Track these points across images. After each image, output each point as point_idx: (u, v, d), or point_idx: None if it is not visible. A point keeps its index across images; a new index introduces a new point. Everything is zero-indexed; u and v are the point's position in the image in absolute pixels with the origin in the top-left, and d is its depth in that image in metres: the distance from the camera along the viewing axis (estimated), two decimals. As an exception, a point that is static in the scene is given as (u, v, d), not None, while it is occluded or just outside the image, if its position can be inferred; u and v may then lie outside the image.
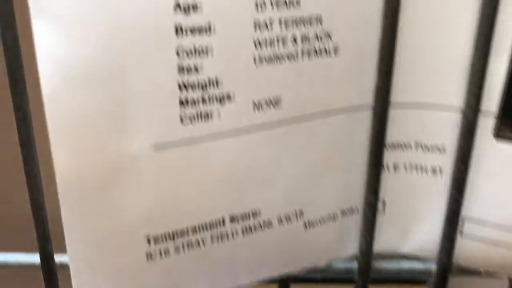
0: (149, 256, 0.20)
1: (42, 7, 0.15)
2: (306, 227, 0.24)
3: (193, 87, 0.18)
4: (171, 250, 0.21)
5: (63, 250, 0.22)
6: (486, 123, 0.22)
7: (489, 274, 0.25)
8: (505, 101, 0.22)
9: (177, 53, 0.18)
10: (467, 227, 0.25)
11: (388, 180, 0.25)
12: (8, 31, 0.18)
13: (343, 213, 0.25)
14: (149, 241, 0.20)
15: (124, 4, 0.16)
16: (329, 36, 0.21)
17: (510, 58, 0.21)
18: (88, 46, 0.16)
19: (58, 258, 0.24)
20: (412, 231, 0.26)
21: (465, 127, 0.22)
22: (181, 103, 0.18)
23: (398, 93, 0.23)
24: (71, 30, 0.16)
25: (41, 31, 0.16)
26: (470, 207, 0.24)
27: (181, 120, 0.19)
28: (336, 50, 0.21)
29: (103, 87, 0.17)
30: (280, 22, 0.19)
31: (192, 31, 0.18)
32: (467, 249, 0.25)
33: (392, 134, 0.24)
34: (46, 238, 0.23)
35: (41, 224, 0.22)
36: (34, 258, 0.25)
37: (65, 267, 0.23)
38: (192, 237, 0.21)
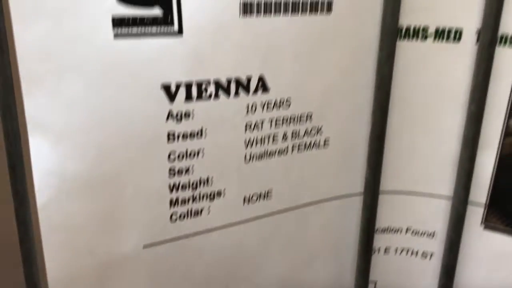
0: None
1: (39, 124, 0.16)
2: (296, 311, 0.24)
3: (183, 187, 0.19)
4: None
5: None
6: (475, 213, 0.23)
7: None
8: (492, 193, 0.22)
9: (169, 158, 0.18)
10: (457, 311, 0.25)
11: (379, 262, 0.25)
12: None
13: (334, 294, 0.25)
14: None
15: (119, 115, 0.17)
16: (319, 130, 0.21)
17: (497, 153, 0.22)
18: (83, 160, 0.17)
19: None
20: (402, 312, 0.26)
21: (454, 217, 0.23)
22: (171, 203, 0.19)
23: (388, 182, 0.23)
24: (66, 146, 0.16)
25: (38, 146, 0.16)
26: (460, 292, 0.24)
27: (171, 218, 0.19)
28: (326, 142, 0.22)
29: (96, 196, 0.17)
30: (270, 122, 0.20)
31: (184, 136, 0.18)
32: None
33: (384, 220, 0.24)
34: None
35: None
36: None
37: None
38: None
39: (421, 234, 0.24)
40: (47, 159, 0.16)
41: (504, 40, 0.20)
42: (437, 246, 0.24)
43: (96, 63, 0.16)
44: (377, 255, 0.25)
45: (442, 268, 0.24)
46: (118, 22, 0.16)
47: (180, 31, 0.17)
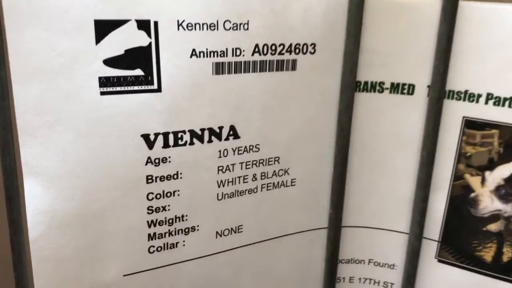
0: None
1: (33, 169, 0.18)
2: (267, 335, 0.26)
3: (161, 223, 0.21)
4: None
5: None
6: (429, 247, 0.25)
7: None
8: (444, 230, 0.24)
9: (148, 197, 0.21)
10: (416, 337, 0.27)
11: (344, 290, 0.27)
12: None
13: (303, 320, 0.27)
14: None
15: (104, 161, 0.19)
16: (286, 171, 0.24)
17: (448, 194, 0.24)
18: (71, 200, 0.19)
19: None
20: (367, 336, 0.28)
21: (410, 251, 0.25)
22: (150, 237, 0.21)
23: (350, 218, 0.25)
24: (56, 188, 0.19)
25: (31, 188, 0.18)
26: (418, 320, 0.26)
27: (149, 250, 0.21)
28: (293, 182, 0.24)
29: (82, 231, 0.20)
30: (241, 165, 0.22)
31: (161, 178, 0.21)
32: None
33: (348, 252, 0.26)
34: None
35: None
36: None
37: None
38: None
39: (382, 265, 0.26)
40: (39, 199, 0.19)
41: (452, 94, 0.22)
42: (397, 277, 0.26)
43: (84, 116, 0.18)
44: (342, 283, 0.27)
45: (401, 297, 0.26)
46: (104, 82, 0.18)
47: (159, 88, 0.19)
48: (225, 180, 0.22)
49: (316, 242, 0.25)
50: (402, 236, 0.25)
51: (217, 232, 0.23)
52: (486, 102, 0.22)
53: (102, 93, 0.18)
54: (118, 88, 0.19)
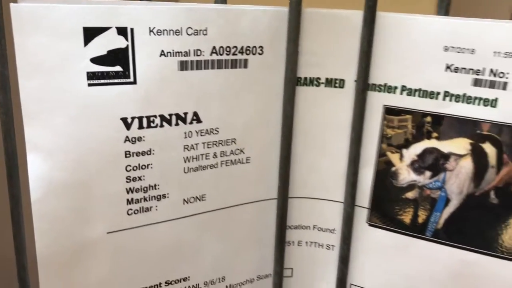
0: (103, 310, 0.28)
1: (34, 145, 0.23)
2: (227, 289, 0.31)
3: (137, 190, 0.26)
4: (120, 306, 0.28)
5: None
6: (361, 214, 0.30)
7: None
8: (372, 199, 0.30)
9: (126, 169, 0.26)
10: (353, 291, 0.32)
11: (295, 252, 0.32)
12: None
13: (259, 278, 0.32)
14: (103, 299, 0.27)
15: (90, 139, 0.24)
16: (242, 151, 0.29)
17: (374, 169, 0.29)
18: (65, 170, 0.24)
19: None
20: (314, 292, 0.33)
21: (345, 217, 0.30)
22: (128, 201, 0.26)
23: (296, 190, 0.31)
24: (53, 160, 0.24)
25: (33, 159, 0.23)
26: (355, 276, 0.32)
27: (127, 213, 0.26)
28: (247, 160, 0.29)
29: (73, 195, 0.25)
30: (203, 144, 0.27)
31: (137, 154, 0.26)
32: (354, 308, 0.32)
33: (295, 219, 0.31)
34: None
35: (23, 283, 0.29)
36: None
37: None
38: (136, 297, 0.28)
39: (324, 230, 0.31)
40: (39, 169, 0.24)
41: (374, 87, 0.28)
42: (336, 240, 0.31)
43: (75, 103, 0.23)
44: (292, 246, 0.32)
45: (339, 257, 0.31)
46: (91, 76, 0.23)
47: (135, 81, 0.24)
48: (190, 156, 0.27)
49: (268, 210, 0.31)
50: (339, 205, 0.30)
51: (184, 200, 0.28)
52: (401, 93, 0.28)
53: (90, 85, 0.23)
54: (102, 81, 0.24)
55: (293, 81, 0.28)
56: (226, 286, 0.31)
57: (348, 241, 0.31)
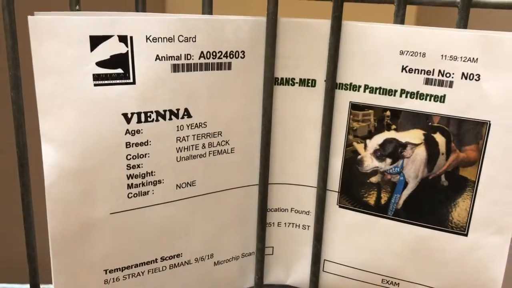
0: (106, 281, 0.31)
1: (47, 137, 0.27)
2: (215, 265, 0.35)
3: (136, 176, 0.30)
4: (121, 278, 0.32)
5: (47, 281, 0.33)
6: (332, 197, 0.34)
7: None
8: (341, 183, 0.34)
9: (126, 158, 0.29)
10: (327, 266, 0.36)
11: (275, 232, 0.36)
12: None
13: (244, 255, 0.36)
14: (106, 272, 0.31)
15: (96, 132, 0.28)
16: (227, 142, 0.33)
17: (342, 157, 0.33)
18: (74, 158, 0.28)
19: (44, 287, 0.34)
20: (293, 269, 0.37)
21: (318, 200, 0.34)
22: (128, 186, 0.30)
23: (275, 177, 0.35)
24: (64, 150, 0.27)
25: (48, 150, 0.27)
26: (328, 252, 0.36)
27: (128, 196, 0.30)
28: (232, 150, 0.33)
29: (80, 180, 0.28)
30: (194, 136, 0.31)
31: (136, 144, 0.30)
32: (328, 281, 0.36)
33: (275, 203, 0.36)
34: (35, 272, 0.33)
35: (32, 261, 0.33)
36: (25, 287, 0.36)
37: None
38: (135, 270, 0.32)
39: (300, 212, 0.36)
40: (52, 158, 0.27)
41: (341, 86, 0.32)
42: (311, 221, 0.36)
43: (83, 100, 0.27)
44: (272, 227, 0.36)
45: (314, 235, 0.35)
46: (96, 77, 0.27)
47: (134, 81, 0.28)
48: (182, 147, 0.31)
49: (251, 195, 0.35)
50: (313, 190, 0.35)
51: (177, 185, 0.32)
52: (364, 91, 0.32)
53: (95, 85, 0.27)
54: (106, 81, 0.28)
55: (271, 81, 0.32)
56: (214, 263, 0.35)
57: (321, 221, 0.35)
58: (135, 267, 0.32)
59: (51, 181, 0.28)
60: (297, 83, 0.33)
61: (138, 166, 0.30)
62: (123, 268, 0.32)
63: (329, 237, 0.35)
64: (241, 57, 0.31)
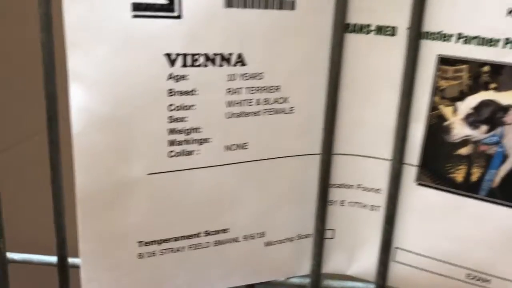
0: (140, 256, 0.27)
1: (76, 74, 0.23)
2: (266, 246, 0.30)
3: (179, 132, 0.26)
4: (157, 253, 0.27)
5: (74, 254, 0.29)
6: (410, 172, 0.29)
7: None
8: (422, 156, 0.28)
9: (169, 108, 0.25)
10: (399, 255, 0.30)
11: (336, 212, 0.31)
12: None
13: (299, 237, 0.31)
14: (140, 245, 0.27)
15: (133, 73, 0.24)
16: (286, 100, 0.28)
17: (425, 123, 0.28)
18: (106, 103, 0.24)
19: (71, 260, 0.30)
20: (356, 256, 0.32)
21: (392, 176, 0.29)
22: (169, 143, 0.26)
23: (341, 146, 0.29)
24: (94, 91, 0.23)
25: (75, 90, 0.23)
26: (400, 239, 0.30)
27: (168, 155, 0.26)
28: (291, 110, 0.28)
29: (114, 132, 0.24)
30: (247, 89, 0.26)
31: (180, 93, 0.25)
32: (399, 273, 0.31)
33: (339, 177, 0.30)
34: (63, 242, 0.30)
35: (60, 229, 0.29)
36: (52, 259, 0.32)
37: (75, 268, 0.30)
38: (174, 244, 0.28)
39: (369, 190, 0.30)
40: (80, 99, 0.23)
41: (427, 35, 0.26)
42: (382, 201, 0.30)
43: (118, 34, 0.23)
44: (334, 206, 0.31)
45: (385, 217, 0.30)
46: (136, 7, 0.23)
47: (180, 16, 0.24)
48: (233, 101, 0.26)
49: (310, 166, 0.29)
50: (386, 163, 0.29)
51: (225, 146, 0.27)
52: (457, 41, 0.26)
53: (134, 16, 0.23)
54: (147, 13, 0.23)
55: (341, 27, 0.26)
56: (265, 243, 0.30)
57: (395, 201, 0.29)
58: (174, 240, 0.28)
59: (79, 129, 0.24)
60: (373, 30, 0.27)
61: (182, 119, 0.25)
62: (160, 241, 0.27)
63: (403, 220, 0.29)
64: (307, -5, 0.26)
